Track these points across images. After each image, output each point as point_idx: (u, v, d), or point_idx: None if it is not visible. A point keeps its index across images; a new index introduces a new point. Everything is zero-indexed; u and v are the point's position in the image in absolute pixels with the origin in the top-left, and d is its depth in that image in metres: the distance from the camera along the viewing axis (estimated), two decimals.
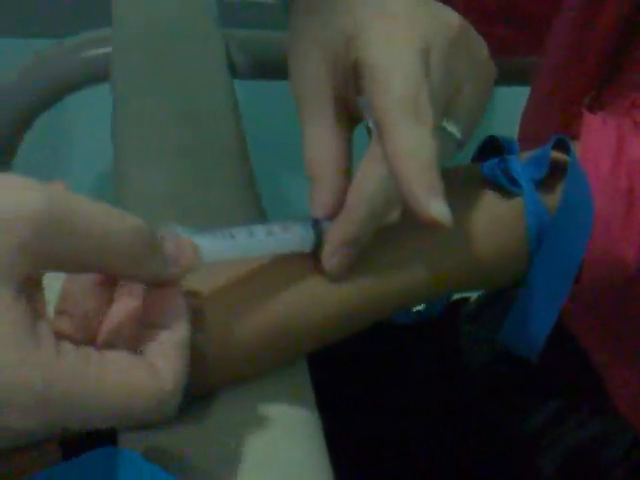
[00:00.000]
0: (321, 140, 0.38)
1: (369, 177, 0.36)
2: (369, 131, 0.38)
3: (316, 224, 0.37)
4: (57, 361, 0.28)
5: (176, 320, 0.32)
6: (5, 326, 0.27)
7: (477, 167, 0.41)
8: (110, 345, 0.33)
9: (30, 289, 0.29)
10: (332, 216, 0.37)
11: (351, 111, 0.39)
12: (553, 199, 0.39)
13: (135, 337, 0.33)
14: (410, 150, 0.34)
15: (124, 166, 0.53)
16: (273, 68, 0.69)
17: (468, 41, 0.38)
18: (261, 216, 0.49)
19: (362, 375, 0.59)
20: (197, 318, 0.35)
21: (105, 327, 0.34)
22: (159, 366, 0.31)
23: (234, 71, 0.65)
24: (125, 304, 0.34)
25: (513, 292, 0.41)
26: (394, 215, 0.38)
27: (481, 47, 0.39)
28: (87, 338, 0.34)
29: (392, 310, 0.39)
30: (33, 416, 0.28)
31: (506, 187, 0.39)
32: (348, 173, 0.38)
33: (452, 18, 0.37)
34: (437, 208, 0.34)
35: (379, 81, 0.35)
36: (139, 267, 0.31)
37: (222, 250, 0.35)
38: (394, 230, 0.38)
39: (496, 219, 0.39)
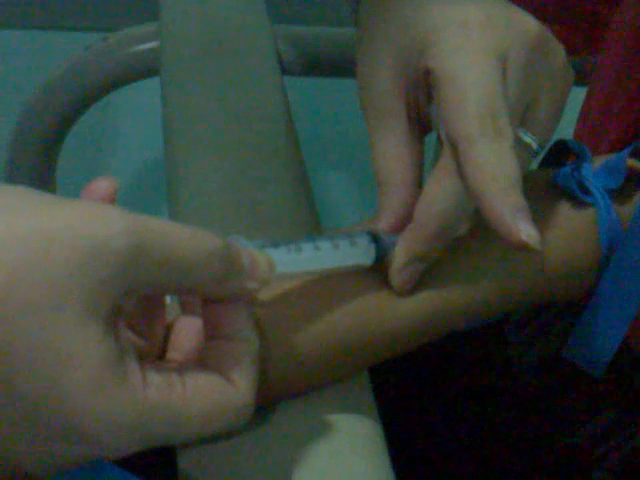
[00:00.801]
0: (391, 150, 0.37)
1: (440, 191, 0.35)
2: (440, 141, 0.37)
3: (376, 237, 0.36)
4: (144, 394, 0.28)
5: (247, 331, 0.32)
6: (97, 362, 0.27)
7: (546, 174, 0.40)
8: (182, 362, 0.33)
9: (116, 318, 0.29)
10: (399, 229, 0.36)
11: (422, 119, 0.38)
12: (627, 210, 0.38)
13: (203, 350, 0.32)
14: (491, 169, 0.33)
15: (176, 163, 0.53)
16: (323, 65, 0.68)
17: (546, 47, 0.37)
18: (314, 217, 0.49)
19: (408, 380, 0.58)
20: (259, 329, 0.35)
21: (175, 343, 0.34)
22: (237, 381, 0.31)
23: (283, 67, 0.65)
24: (189, 319, 0.34)
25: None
26: (464, 229, 0.37)
27: (559, 53, 0.37)
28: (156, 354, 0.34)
29: (458, 325, 0.38)
30: (123, 448, 0.28)
31: (579, 198, 0.38)
32: (418, 185, 0.37)
33: (530, 24, 0.36)
34: (526, 231, 0.32)
35: (454, 93, 0.34)
36: (222, 285, 0.30)
37: (289, 264, 0.34)
38: (462, 243, 0.37)
39: (568, 231, 0.38)
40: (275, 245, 0.34)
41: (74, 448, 0.28)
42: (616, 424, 0.55)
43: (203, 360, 0.31)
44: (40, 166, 0.73)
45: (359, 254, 0.36)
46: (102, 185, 0.32)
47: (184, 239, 0.29)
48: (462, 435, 0.56)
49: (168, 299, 0.35)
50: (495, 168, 0.33)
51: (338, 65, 0.67)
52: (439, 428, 0.56)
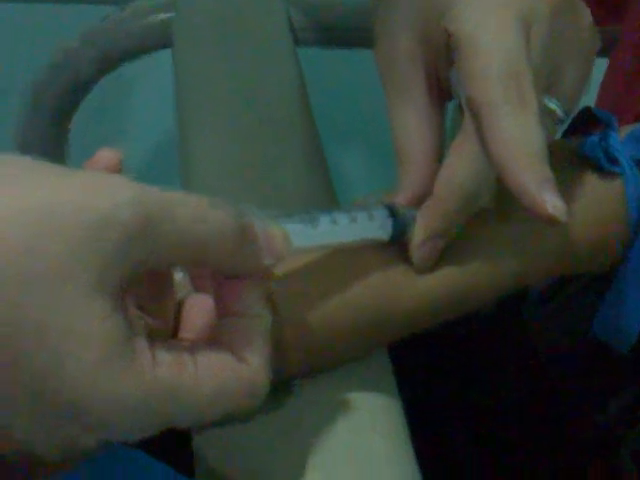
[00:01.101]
0: (411, 121, 0.36)
1: (460, 164, 0.34)
2: (461, 110, 0.35)
3: (394, 210, 0.35)
4: (153, 373, 0.27)
5: (259, 307, 0.31)
6: (103, 340, 0.26)
7: (571, 143, 0.39)
8: (194, 341, 0.32)
9: (123, 293, 0.27)
10: (420, 203, 0.35)
11: (442, 86, 0.37)
12: None
13: (215, 327, 0.31)
14: (516, 139, 0.32)
15: (189, 137, 0.52)
16: (338, 35, 0.67)
17: (572, 10, 0.35)
18: (330, 193, 0.48)
19: (430, 361, 0.58)
20: (272, 305, 0.34)
21: (187, 322, 0.33)
22: (249, 359, 0.30)
23: (297, 38, 0.64)
24: (200, 296, 0.33)
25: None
26: (485, 202, 0.36)
27: (585, 16, 0.36)
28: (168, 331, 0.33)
29: (480, 301, 0.37)
30: (130, 430, 0.27)
31: (606, 168, 0.37)
32: (439, 156, 0.36)
33: None
34: (552, 202, 0.31)
35: (476, 57, 0.33)
36: (235, 259, 0.29)
37: (305, 237, 0.33)
38: (484, 217, 0.36)
39: (594, 202, 0.37)
40: (289, 217, 0.33)
41: (80, 428, 0.27)
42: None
43: (215, 338, 0.30)
44: (51, 138, 0.72)
45: (377, 228, 0.35)
46: (106, 155, 0.31)
47: (194, 210, 0.28)
48: (483, 414, 0.55)
49: (177, 276, 0.34)
50: (519, 136, 0.32)
51: (354, 35, 0.66)
52: (459, 405, 0.55)
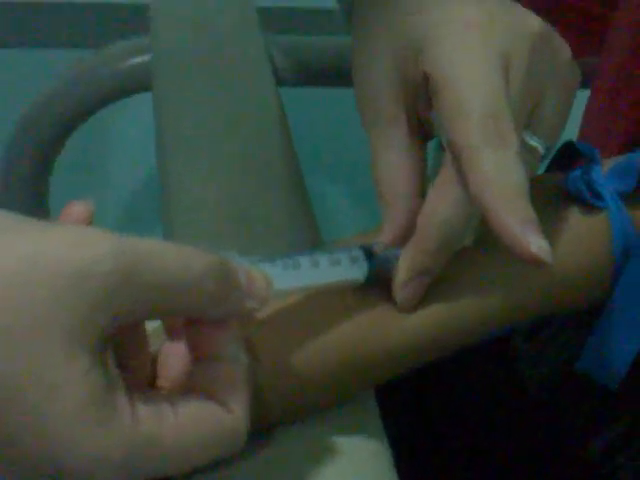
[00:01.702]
0: (392, 160, 0.36)
1: (442, 202, 0.33)
2: (443, 148, 0.35)
3: (369, 251, 0.35)
4: (134, 429, 0.27)
5: (236, 351, 0.30)
6: (84, 396, 0.26)
7: (554, 178, 0.38)
8: (172, 390, 0.31)
9: (104, 347, 0.27)
10: (404, 242, 0.35)
11: (423, 126, 0.36)
12: None
13: (191, 374, 0.31)
14: (497, 181, 0.31)
15: (170, 177, 0.52)
16: (318, 74, 0.67)
17: (551, 46, 0.35)
18: (313, 229, 0.47)
19: (413, 392, 0.57)
20: (250, 350, 0.33)
21: (163, 371, 0.32)
22: (230, 404, 0.29)
23: (278, 78, 0.63)
24: (175, 344, 0.32)
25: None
26: (468, 240, 0.36)
27: (564, 51, 0.36)
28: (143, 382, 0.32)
29: (466, 341, 0.36)
30: None
31: (590, 202, 0.37)
32: (421, 195, 0.35)
33: (533, 22, 0.35)
34: (537, 244, 0.31)
35: (454, 99, 0.32)
36: (219, 305, 0.29)
37: (286, 280, 0.33)
38: (468, 255, 0.36)
39: (579, 237, 0.36)
40: (271, 261, 0.33)
41: None
42: (628, 437, 0.53)
43: (193, 385, 0.30)
44: (33, 183, 0.71)
45: (356, 269, 0.35)
46: (77, 209, 0.31)
47: (175, 259, 0.27)
48: (471, 449, 0.55)
49: (149, 327, 0.33)
50: (500, 178, 0.31)
51: (334, 74, 0.66)
52: (447, 441, 0.54)
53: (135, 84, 0.66)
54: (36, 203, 0.71)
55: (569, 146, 0.39)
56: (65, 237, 0.26)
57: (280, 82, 0.63)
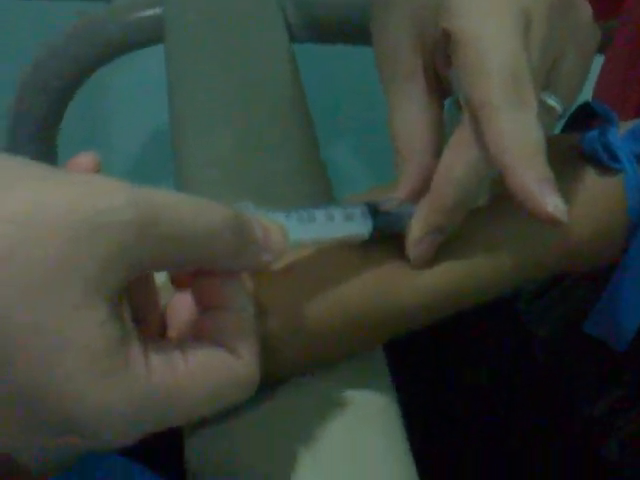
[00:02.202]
0: (410, 116, 0.35)
1: (458, 161, 0.33)
2: (460, 107, 0.35)
3: (374, 208, 0.35)
4: (147, 380, 0.27)
5: (242, 301, 0.30)
6: (98, 347, 0.25)
7: (571, 138, 0.38)
8: (182, 338, 0.31)
9: (120, 298, 0.27)
10: (418, 198, 0.35)
11: (441, 83, 0.36)
12: None
13: (198, 322, 0.31)
14: (516, 140, 0.31)
15: (182, 134, 0.51)
16: (333, 30, 0.66)
17: (570, 4, 0.35)
18: (326, 187, 0.47)
19: (422, 353, 0.57)
20: (262, 302, 0.34)
21: (172, 322, 0.32)
22: (241, 352, 0.29)
23: (291, 34, 0.63)
24: (184, 295, 0.32)
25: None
26: (483, 199, 0.36)
27: (584, 10, 0.35)
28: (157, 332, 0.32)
29: (479, 299, 0.36)
30: (125, 437, 0.27)
31: (606, 164, 0.36)
32: (438, 152, 0.35)
33: None
34: (553, 203, 0.31)
35: (474, 57, 0.32)
36: (235, 258, 0.29)
37: (301, 233, 0.33)
38: (482, 213, 0.36)
39: (594, 198, 0.36)
40: (287, 213, 0.33)
41: (73, 440, 0.26)
42: (633, 396, 0.53)
43: (200, 334, 0.30)
44: (41, 138, 0.71)
45: (365, 225, 0.35)
46: (83, 161, 0.31)
47: (192, 211, 0.27)
48: (476, 409, 0.55)
49: (159, 279, 0.33)
50: (519, 137, 0.31)
51: (349, 31, 0.65)
52: (453, 402, 0.55)
53: (146, 37, 0.65)
54: (45, 156, 0.71)
55: (586, 107, 0.39)
56: (77, 185, 0.26)
57: (294, 38, 0.62)
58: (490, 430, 0.54)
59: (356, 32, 0.63)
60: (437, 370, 0.55)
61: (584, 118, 0.39)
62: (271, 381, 0.34)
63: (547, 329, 0.57)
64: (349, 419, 0.34)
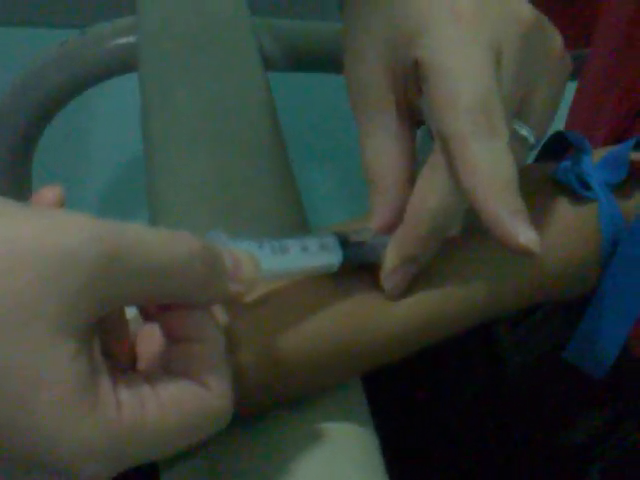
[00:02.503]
0: (382, 147, 0.35)
1: (431, 191, 0.33)
2: (431, 136, 0.35)
3: (344, 239, 0.34)
4: (117, 416, 0.26)
5: (211, 330, 0.30)
6: (68, 384, 0.25)
7: (544, 168, 0.38)
8: (151, 372, 0.31)
9: (90, 333, 0.27)
10: (392, 229, 0.35)
11: (412, 113, 0.36)
12: (630, 205, 0.36)
13: (167, 356, 0.30)
14: (487, 171, 0.31)
15: (156, 162, 0.51)
16: (307, 59, 0.66)
17: (542, 35, 0.35)
18: (301, 216, 0.47)
19: (399, 383, 0.57)
20: (235, 335, 0.33)
21: (142, 354, 0.32)
22: (211, 384, 0.29)
23: (267, 62, 0.63)
24: (152, 327, 0.32)
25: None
26: (457, 229, 0.35)
27: (556, 40, 0.36)
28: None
29: (453, 330, 0.36)
30: (97, 473, 0.26)
31: (579, 193, 0.36)
32: (411, 182, 0.35)
33: (524, 10, 0.34)
34: (526, 234, 0.31)
35: (444, 87, 0.32)
36: (205, 290, 0.29)
37: (274, 264, 0.32)
38: (455, 244, 0.36)
39: (567, 227, 0.36)
40: (259, 243, 0.32)
41: (42, 476, 0.26)
42: (613, 422, 0.53)
43: (170, 368, 0.29)
44: (15, 166, 0.70)
45: (337, 256, 0.34)
46: (47, 195, 0.30)
47: (160, 243, 0.27)
48: (454, 437, 0.55)
49: (129, 311, 0.33)
50: (490, 169, 0.31)
51: (323, 60, 0.65)
52: (430, 429, 0.54)
53: (121, 65, 0.65)
54: (18, 186, 0.70)
55: (559, 136, 0.39)
56: (47, 221, 0.26)
57: (269, 67, 0.62)
58: (466, 461, 0.54)
59: (330, 61, 0.64)
60: (410, 399, 0.55)
61: (557, 148, 0.39)
62: (245, 413, 0.33)
63: (523, 357, 0.57)
64: (327, 452, 0.34)
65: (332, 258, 0.34)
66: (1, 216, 0.25)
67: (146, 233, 0.27)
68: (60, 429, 0.25)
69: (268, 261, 0.32)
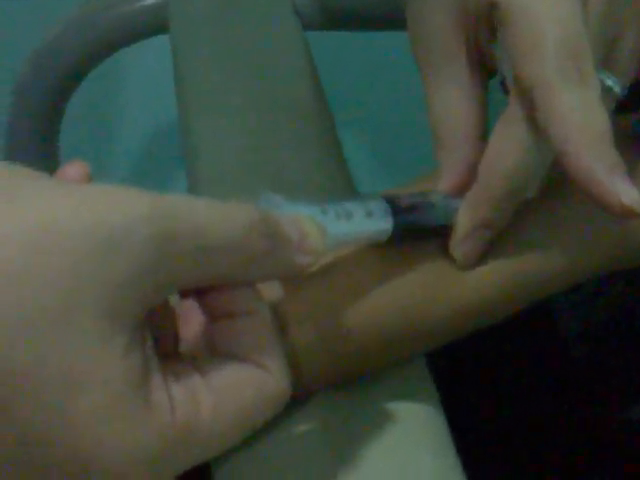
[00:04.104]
0: (451, 100, 0.32)
1: (508, 147, 0.30)
2: (505, 87, 0.32)
3: (393, 205, 0.31)
4: (172, 416, 0.24)
5: (255, 304, 0.27)
6: (117, 386, 0.22)
7: (622, 121, 0.35)
8: (198, 356, 0.28)
9: (143, 324, 0.24)
10: (464, 191, 0.32)
11: (484, 61, 0.33)
12: None
13: (212, 334, 0.27)
14: (579, 122, 0.28)
15: (192, 128, 0.48)
16: (346, 18, 0.63)
17: None
18: (348, 181, 0.44)
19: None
20: (296, 315, 0.30)
21: (184, 334, 0.29)
22: (266, 364, 0.26)
23: (304, 22, 0.60)
24: (186, 304, 0.29)
25: None
26: (535, 190, 0.32)
27: None
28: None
29: (530, 301, 0.33)
30: (153, 478, 0.24)
31: None
32: (483, 139, 0.32)
33: None
34: (628, 193, 0.28)
35: (528, 31, 0.29)
36: (267, 265, 0.26)
37: (341, 231, 0.29)
38: (535, 206, 0.33)
39: None
40: (322, 209, 0.29)
41: None
42: None
43: (218, 349, 0.27)
44: (41, 135, 0.68)
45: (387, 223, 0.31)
46: (72, 171, 0.27)
47: (216, 217, 0.24)
48: (510, 410, 0.52)
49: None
50: (582, 119, 0.28)
51: (361, 17, 0.62)
52: (487, 401, 0.52)
53: (149, 27, 0.62)
54: (45, 154, 0.68)
55: (637, 85, 0.36)
56: (91, 198, 0.23)
57: (306, 26, 0.59)
58: (522, 430, 0.51)
59: (371, 18, 0.60)
60: (463, 371, 0.52)
61: (634, 99, 0.36)
62: (298, 396, 0.31)
63: (581, 324, 0.54)
64: (394, 436, 0.31)
65: (403, 222, 0.31)
66: (36, 191, 0.22)
67: (199, 207, 0.24)
68: (108, 435, 0.22)
69: (334, 228, 0.29)
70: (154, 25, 0.61)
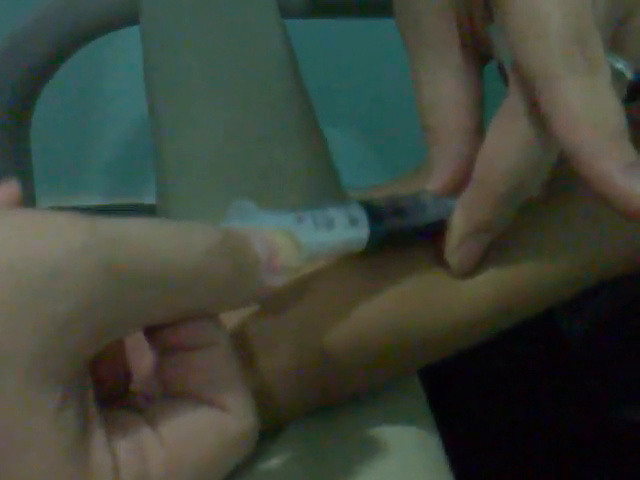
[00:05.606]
0: (443, 88, 0.29)
1: (508, 142, 0.27)
2: (503, 75, 0.29)
3: (370, 208, 0.28)
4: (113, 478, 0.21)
5: (215, 333, 0.24)
6: (50, 449, 0.19)
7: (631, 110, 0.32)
8: (153, 400, 0.25)
9: (83, 375, 0.21)
10: (457, 190, 0.29)
11: (478, 45, 0.30)
12: None
13: (164, 371, 0.24)
14: (589, 116, 0.25)
15: (162, 124, 0.46)
16: (327, 3, 0.60)
17: None
18: (335, 179, 0.41)
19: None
20: (274, 337, 0.27)
21: (135, 369, 0.26)
22: (227, 403, 0.23)
23: (282, 8, 0.57)
24: (135, 336, 0.25)
25: None
26: (537, 190, 0.29)
27: None
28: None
29: (528, 312, 0.31)
30: None
31: None
32: (479, 131, 0.29)
33: None
34: None
35: (528, 14, 0.26)
36: (232, 293, 0.23)
37: (319, 243, 0.26)
38: (536, 208, 0.30)
39: None
40: (298, 216, 0.26)
41: None
42: None
43: (170, 386, 0.24)
44: (12, 128, 0.65)
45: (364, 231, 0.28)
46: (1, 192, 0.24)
47: (168, 242, 0.21)
48: (509, 410, 0.50)
49: None
50: (592, 112, 0.25)
51: (341, 4, 0.59)
52: (486, 401, 0.50)
53: (121, 17, 0.59)
54: (17, 145, 0.65)
55: None
56: (22, 226, 0.20)
57: (285, 13, 0.56)
58: (523, 431, 0.49)
59: (354, 3, 0.58)
60: (465, 368, 0.50)
61: None
62: (270, 430, 0.28)
63: (581, 324, 0.52)
64: (385, 462, 0.28)
65: (382, 230, 0.28)
66: None
67: (147, 230, 0.21)
68: None
69: (310, 238, 0.26)
70: (125, 16, 0.58)
